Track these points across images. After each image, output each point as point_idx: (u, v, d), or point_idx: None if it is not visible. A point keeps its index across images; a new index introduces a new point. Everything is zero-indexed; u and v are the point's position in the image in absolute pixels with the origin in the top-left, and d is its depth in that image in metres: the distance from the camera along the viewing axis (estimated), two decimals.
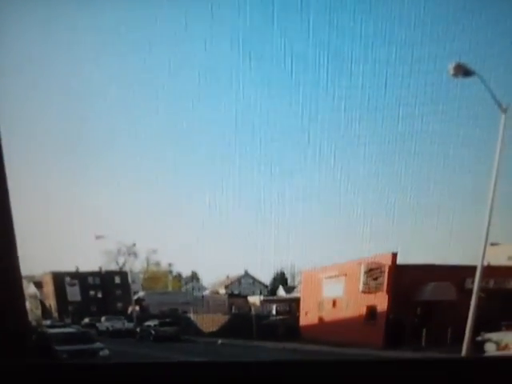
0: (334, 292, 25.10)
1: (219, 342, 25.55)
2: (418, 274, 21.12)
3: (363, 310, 22.90)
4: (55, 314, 47.68)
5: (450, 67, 14.16)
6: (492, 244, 20.11)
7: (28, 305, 46.29)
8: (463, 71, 14.27)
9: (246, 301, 36.01)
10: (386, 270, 22.38)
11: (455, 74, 14.28)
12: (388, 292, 22.12)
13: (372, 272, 22.73)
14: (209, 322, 31.05)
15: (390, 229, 19.77)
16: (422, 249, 20.61)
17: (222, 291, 41.85)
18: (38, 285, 49.81)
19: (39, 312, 47.65)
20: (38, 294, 49.52)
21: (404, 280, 21.03)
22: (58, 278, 49.10)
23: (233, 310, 34.99)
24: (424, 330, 20.17)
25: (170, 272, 53.08)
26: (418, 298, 21.46)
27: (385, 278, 22.33)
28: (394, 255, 22.24)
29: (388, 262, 22.38)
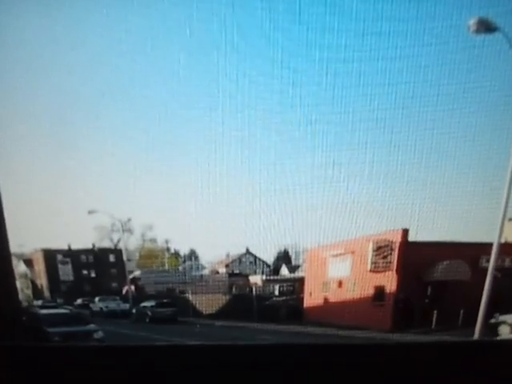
0: (340, 271, 25.13)
1: (218, 323, 25.81)
2: (429, 251, 21.04)
3: (370, 291, 22.98)
4: (47, 294, 48.11)
5: (472, 23, 13.38)
6: (510, 219, 19.97)
7: (18, 284, 46.85)
8: (486, 27, 13.51)
9: (248, 280, 36.16)
10: (396, 247, 22.33)
11: (477, 31, 13.50)
12: (397, 271, 22.14)
13: (381, 250, 22.67)
14: (208, 302, 31.27)
15: (401, 203, 19.57)
16: (434, 225, 20.37)
17: (222, 270, 41.94)
18: (29, 263, 50.14)
19: (30, 292, 48.11)
20: (29, 272, 49.91)
21: (415, 258, 20.95)
22: (50, 256, 49.40)
23: (233, 291, 35.21)
24: (435, 311, 20.29)
25: (167, 250, 53.07)
26: (429, 278, 21.50)
27: (394, 256, 22.31)
28: (405, 232, 22.03)
29: (398, 238, 22.28)
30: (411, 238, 21.96)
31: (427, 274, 21.44)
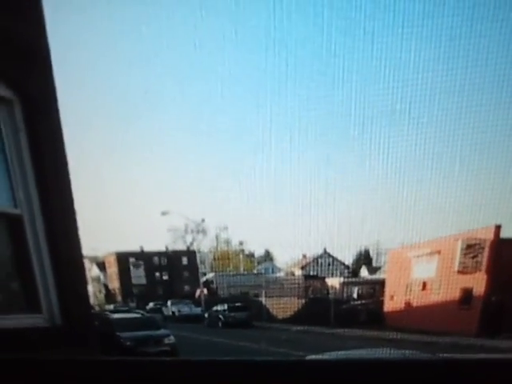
0: (424, 273, 24.64)
1: (294, 328, 26.02)
2: None
3: (457, 294, 22.38)
4: (119, 298, 50.17)
5: None
6: None
7: (91, 288, 49.13)
8: None
9: (325, 283, 36.08)
10: (487, 246, 21.64)
11: None
12: (488, 272, 21.45)
13: (471, 249, 22.02)
14: (282, 306, 31.54)
15: (491, 198, 18.89)
16: None
17: (298, 272, 42.01)
18: (101, 266, 52.49)
19: (102, 296, 50.35)
20: (102, 276, 52.24)
21: (507, 257, 20.18)
22: (123, 259, 51.42)
23: (309, 294, 35.26)
24: None
25: (242, 251, 53.72)
26: None
27: (485, 256, 21.63)
28: (498, 228, 21.33)
29: (490, 236, 21.55)
30: (504, 234, 21.25)
31: None
